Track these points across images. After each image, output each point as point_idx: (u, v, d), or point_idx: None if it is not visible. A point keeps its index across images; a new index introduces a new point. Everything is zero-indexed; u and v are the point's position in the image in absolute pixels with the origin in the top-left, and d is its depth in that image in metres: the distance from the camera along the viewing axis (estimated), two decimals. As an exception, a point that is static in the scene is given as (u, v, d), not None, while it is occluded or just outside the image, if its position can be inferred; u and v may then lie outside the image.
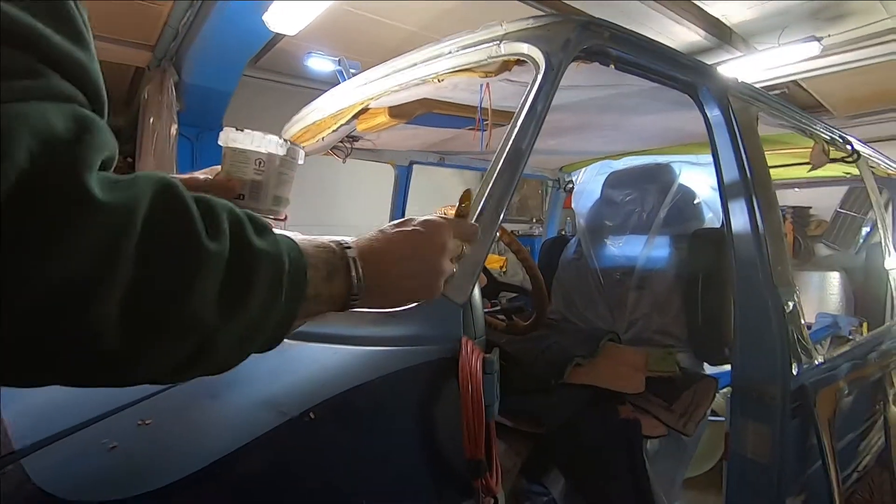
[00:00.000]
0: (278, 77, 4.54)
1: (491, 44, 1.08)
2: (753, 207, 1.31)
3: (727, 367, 1.61)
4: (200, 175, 0.67)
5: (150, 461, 0.47)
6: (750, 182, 1.32)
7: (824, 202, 5.27)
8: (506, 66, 1.13)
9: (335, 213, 5.08)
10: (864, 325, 3.10)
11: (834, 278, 4.51)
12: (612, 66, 1.13)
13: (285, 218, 0.70)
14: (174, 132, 3.39)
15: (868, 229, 5.09)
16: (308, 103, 1.77)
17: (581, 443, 1.12)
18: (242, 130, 0.65)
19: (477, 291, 0.78)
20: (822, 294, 4.47)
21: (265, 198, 0.64)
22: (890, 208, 2.67)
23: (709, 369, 1.65)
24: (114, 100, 4.67)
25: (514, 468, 1.10)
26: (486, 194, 0.78)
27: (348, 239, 0.47)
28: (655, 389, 1.29)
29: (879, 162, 2.39)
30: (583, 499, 1.08)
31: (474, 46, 1.11)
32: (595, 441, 1.12)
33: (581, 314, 1.82)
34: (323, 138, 1.76)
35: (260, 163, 0.64)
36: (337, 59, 2.49)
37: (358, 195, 5.06)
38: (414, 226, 0.51)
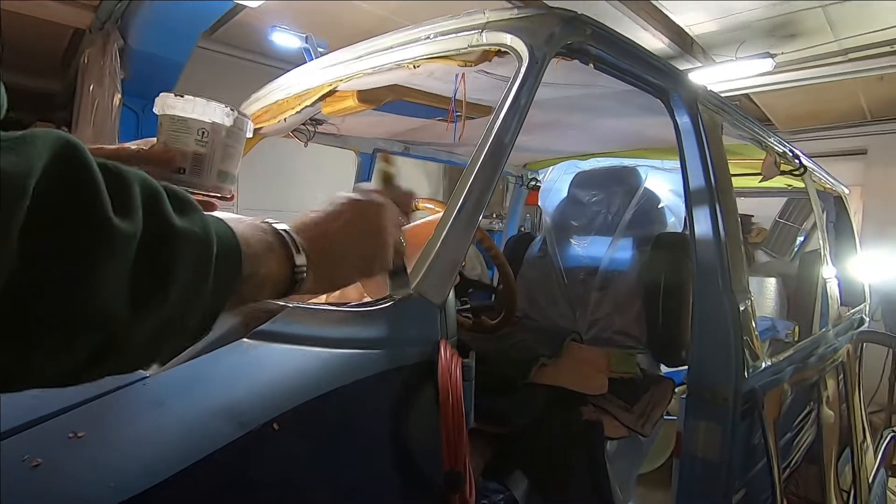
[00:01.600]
0: (237, 52, 4.30)
1: (472, 32, 1.04)
2: (716, 214, 1.34)
3: (682, 368, 1.67)
4: (132, 146, 0.58)
5: (82, 481, 0.41)
6: (714, 189, 1.35)
7: (764, 212, 5.59)
8: (486, 56, 1.09)
9: (293, 198, 4.89)
10: (797, 328, 3.33)
11: (771, 284, 4.80)
12: (591, 65, 1.11)
13: (232, 196, 0.64)
14: (117, 102, 3.12)
15: (802, 239, 5.46)
16: (268, 82, 1.66)
17: (545, 443, 1.11)
18: (182, 96, 0.58)
19: (451, 292, 0.74)
20: (760, 298, 4.74)
21: (209, 173, 0.58)
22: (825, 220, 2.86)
23: (665, 370, 1.69)
24: (49, 61, 4.29)
25: (478, 469, 1.08)
26: (466, 188, 0.74)
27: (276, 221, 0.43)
28: (616, 390, 1.30)
29: (822, 177, 2.54)
30: (544, 499, 1.07)
31: (455, 33, 1.07)
32: (559, 442, 1.11)
33: (543, 312, 1.83)
34: (285, 119, 1.66)
35: (203, 133, 0.58)
36: (304, 35, 2.37)
37: (318, 181, 4.90)
38: (349, 199, 0.48)
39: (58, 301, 0.26)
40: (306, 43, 2.23)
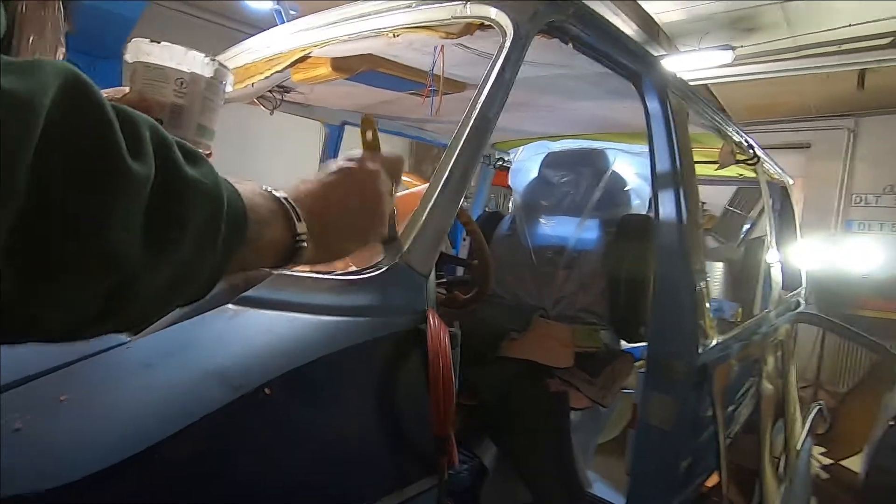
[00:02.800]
0: (197, 11, 4.04)
1: (456, 2, 1.02)
2: (680, 198, 1.40)
3: (641, 344, 1.75)
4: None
5: (67, 446, 0.39)
6: (679, 174, 1.41)
7: (714, 200, 5.87)
8: (468, 28, 1.08)
9: (255, 166, 4.71)
10: (740, 309, 3.55)
11: (718, 268, 5.09)
12: (570, 45, 1.12)
13: (210, 153, 0.62)
14: (60, 57, 2.89)
15: (748, 226, 5.79)
16: (230, 46, 1.58)
17: (513, 414, 1.15)
18: (159, 42, 0.55)
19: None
20: (709, 281, 5.00)
21: (188, 125, 0.55)
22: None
23: (625, 346, 1.77)
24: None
25: (448, 439, 1.11)
26: (452, 160, 0.74)
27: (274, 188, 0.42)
28: (580, 364, 1.36)
29: (771, 167, 2.68)
30: (513, 465, 1.11)
31: (438, 3, 1.05)
32: (526, 412, 1.16)
33: (511, 289, 1.87)
34: (252, 84, 1.59)
35: (182, 83, 0.55)
36: (276, -3, 2.26)
37: (283, 151, 4.73)
38: (344, 166, 0.47)
39: (72, 239, 0.24)
40: (277, 4, 2.12)
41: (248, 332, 0.54)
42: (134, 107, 0.54)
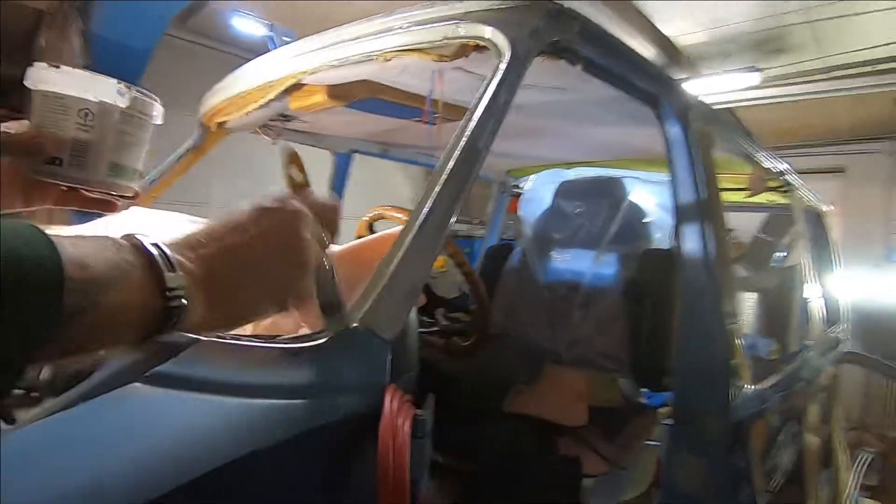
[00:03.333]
0: (208, 41, 4.12)
1: (448, 22, 0.93)
2: (705, 231, 1.26)
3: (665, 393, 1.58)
4: None
5: None
6: (704, 204, 1.28)
7: (743, 225, 5.63)
8: (463, 50, 0.98)
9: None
10: (776, 346, 3.30)
11: (749, 300, 4.81)
12: (580, 67, 1.02)
13: (135, 195, 0.52)
14: (79, 90, 2.94)
15: (782, 254, 5.51)
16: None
17: (517, 482, 1.01)
18: (58, 67, 0.46)
19: (413, 315, 0.63)
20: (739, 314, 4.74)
21: (95, 165, 0.46)
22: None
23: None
24: (8, 45, 4.06)
25: (442, 511, 0.97)
26: (433, 197, 0.63)
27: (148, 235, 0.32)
28: (596, 420, 1.21)
29: (805, 193, 2.51)
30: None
31: (429, 24, 0.96)
32: (532, 481, 1.01)
33: (522, 328, 1.73)
34: (248, 114, 1.53)
35: (86, 115, 0.46)
36: (269, 23, 2.23)
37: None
38: (259, 207, 0.39)
39: None
40: (270, 31, 2.09)
41: (151, 423, 0.42)
42: (27, 143, 0.46)
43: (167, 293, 0.30)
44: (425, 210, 0.62)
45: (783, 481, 2.05)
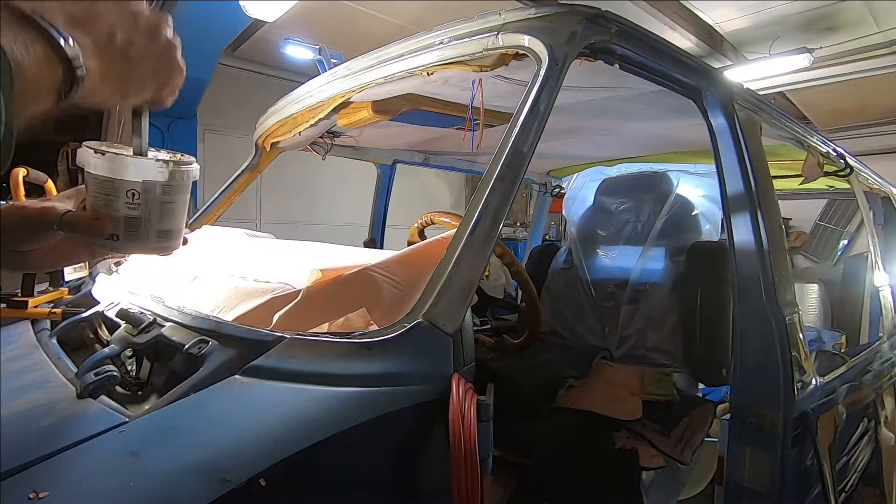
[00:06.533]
0: (257, 67, 4.36)
1: (487, 34, 0.97)
2: (757, 221, 1.24)
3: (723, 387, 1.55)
4: (59, 205, 0.53)
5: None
6: (754, 194, 1.25)
7: (802, 213, 5.33)
8: (503, 59, 1.03)
9: (315, 212, 4.92)
10: (844, 339, 3.11)
11: (812, 290, 4.54)
12: (617, 66, 1.04)
13: (179, 246, 0.56)
14: (144, 121, 3.19)
15: (846, 242, 5.17)
16: (285, 95, 1.64)
17: (573, 474, 1.03)
18: (103, 154, 0.50)
19: (468, 314, 0.67)
20: (801, 306, 4.50)
21: (146, 236, 0.51)
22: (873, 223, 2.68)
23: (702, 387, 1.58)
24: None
25: (501, 503, 1.00)
26: (482, 202, 0.67)
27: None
28: (651, 414, 1.20)
29: (868, 176, 2.37)
30: (575, 537, 0.98)
31: (469, 37, 1.01)
32: (589, 473, 1.03)
33: (571, 327, 1.74)
34: (300, 133, 1.63)
35: (134, 195, 0.50)
36: (317, 47, 2.35)
37: (340, 194, 4.91)
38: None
39: None
40: (319, 54, 2.21)
41: (250, 409, 0.49)
42: (88, 221, 0.51)
43: (67, 62, 0.34)
44: (476, 214, 0.66)
45: (859, 481, 1.94)
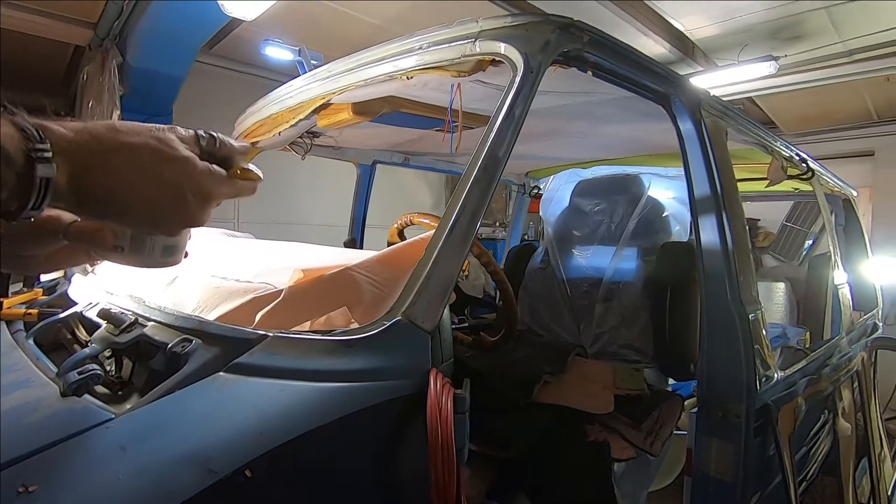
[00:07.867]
0: (235, 65, 4.30)
1: (465, 41, 1.00)
2: (723, 222, 1.30)
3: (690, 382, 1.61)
4: (65, 215, 0.53)
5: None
6: (720, 196, 1.31)
7: (770, 215, 5.52)
8: (480, 65, 1.06)
9: (293, 212, 4.87)
10: (808, 335, 3.24)
11: (780, 289, 4.72)
12: (590, 73, 1.08)
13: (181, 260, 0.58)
14: (116, 118, 3.13)
15: (811, 242, 5.38)
16: (265, 95, 1.64)
17: (549, 467, 1.06)
18: None
19: (446, 312, 0.70)
20: (768, 304, 4.66)
21: (152, 250, 0.51)
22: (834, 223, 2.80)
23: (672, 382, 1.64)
24: (50, 79, 4.31)
25: (479, 496, 1.03)
26: (459, 204, 0.70)
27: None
28: (623, 408, 1.25)
29: (829, 180, 2.49)
30: (550, 527, 1.02)
31: (447, 43, 1.04)
32: (564, 465, 1.07)
33: (546, 325, 1.78)
34: (280, 133, 1.63)
35: None
36: (297, 48, 2.35)
37: (318, 194, 4.88)
38: (152, 132, 0.42)
39: None
40: (299, 56, 2.21)
41: (235, 404, 0.51)
42: (90, 233, 0.52)
43: (33, 152, 0.35)
44: (454, 216, 0.69)
45: (819, 471, 2.03)
